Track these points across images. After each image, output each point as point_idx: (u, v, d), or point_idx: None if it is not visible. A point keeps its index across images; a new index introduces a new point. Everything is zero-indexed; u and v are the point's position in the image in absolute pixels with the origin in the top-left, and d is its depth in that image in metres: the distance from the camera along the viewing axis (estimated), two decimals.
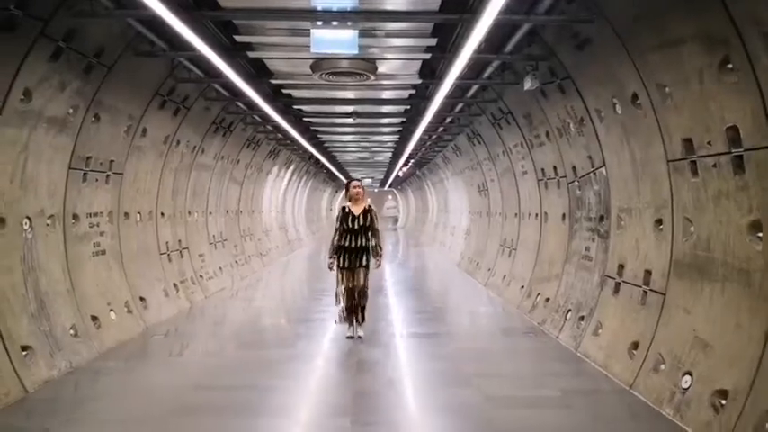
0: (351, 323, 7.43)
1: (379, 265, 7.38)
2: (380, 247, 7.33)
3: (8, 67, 5.09)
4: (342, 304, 7.40)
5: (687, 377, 4.62)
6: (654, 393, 4.95)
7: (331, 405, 5.17)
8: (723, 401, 4.16)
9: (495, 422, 4.66)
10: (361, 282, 7.31)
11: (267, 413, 4.89)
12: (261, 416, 4.80)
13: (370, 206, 7.35)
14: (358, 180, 7.57)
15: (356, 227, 7.19)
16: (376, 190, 42.20)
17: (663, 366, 4.98)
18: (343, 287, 7.35)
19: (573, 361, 6.40)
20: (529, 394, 5.40)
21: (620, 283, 6.16)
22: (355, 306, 7.34)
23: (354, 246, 7.20)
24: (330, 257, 7.34)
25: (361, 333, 7.38)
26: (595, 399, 5.27)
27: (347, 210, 7.29)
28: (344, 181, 8.61)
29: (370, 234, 7.25)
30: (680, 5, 4.44)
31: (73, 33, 5.63)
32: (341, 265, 7.29)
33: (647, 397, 5.01)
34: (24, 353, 5.32)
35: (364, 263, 7.30)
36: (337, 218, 7.35)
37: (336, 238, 7.28)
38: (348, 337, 7.36)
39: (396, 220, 49.93)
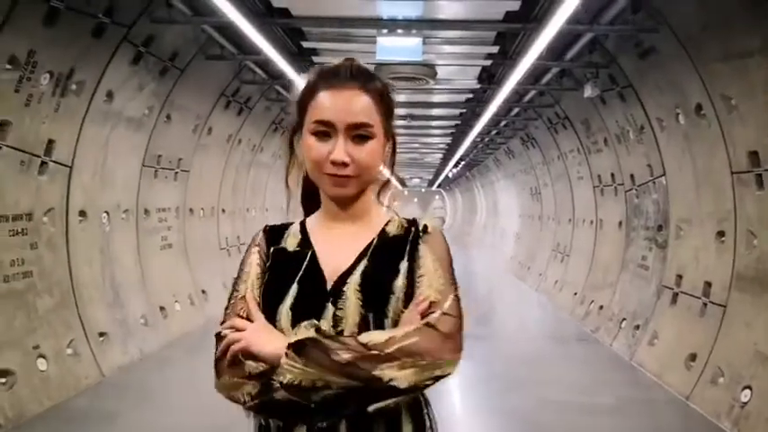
0: None
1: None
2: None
3: (95, 69, 5.43)
4: None
5: (747, 391, 4.59)
6: (711, 406, 4.93)
7: None
8: None
9: (547, 427, 4.72)
10: None
11: None
12: None
13: (414, 219, 1.43)
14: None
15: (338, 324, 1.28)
16: (423, 190, 42.16)
17: (721, 379, 4.95)
18: None
19: (627, 370, 6.38)
20: (582, 400, 5.42)
21: (677, 294, 6.12)
22: None
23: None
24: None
25: None
26: (651, 408, 5.28)
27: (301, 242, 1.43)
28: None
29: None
30: (747, 17, 4.42)
31: (152, 39, 5.95)
32: None
33: (704, 409, 4.99)
34: (101, 339, 5.68)
35: None
36: (234, 284, 1.39)
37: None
38: None
39: (443, 220, 49.91)
